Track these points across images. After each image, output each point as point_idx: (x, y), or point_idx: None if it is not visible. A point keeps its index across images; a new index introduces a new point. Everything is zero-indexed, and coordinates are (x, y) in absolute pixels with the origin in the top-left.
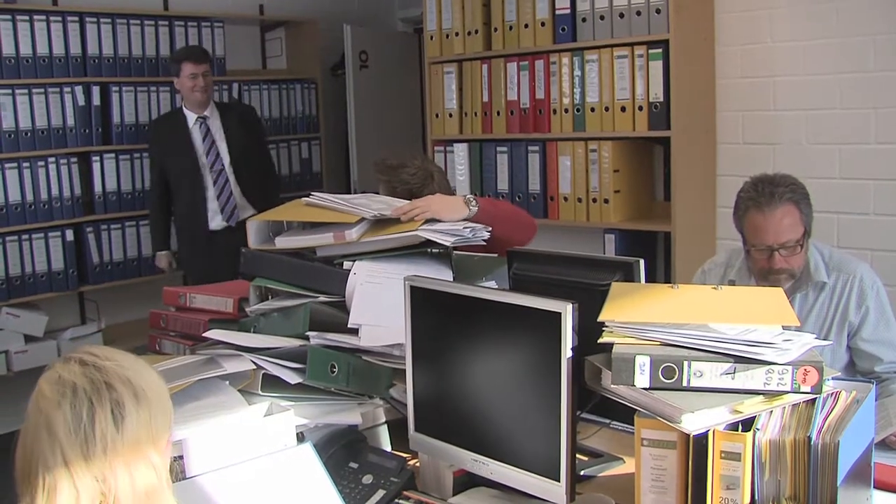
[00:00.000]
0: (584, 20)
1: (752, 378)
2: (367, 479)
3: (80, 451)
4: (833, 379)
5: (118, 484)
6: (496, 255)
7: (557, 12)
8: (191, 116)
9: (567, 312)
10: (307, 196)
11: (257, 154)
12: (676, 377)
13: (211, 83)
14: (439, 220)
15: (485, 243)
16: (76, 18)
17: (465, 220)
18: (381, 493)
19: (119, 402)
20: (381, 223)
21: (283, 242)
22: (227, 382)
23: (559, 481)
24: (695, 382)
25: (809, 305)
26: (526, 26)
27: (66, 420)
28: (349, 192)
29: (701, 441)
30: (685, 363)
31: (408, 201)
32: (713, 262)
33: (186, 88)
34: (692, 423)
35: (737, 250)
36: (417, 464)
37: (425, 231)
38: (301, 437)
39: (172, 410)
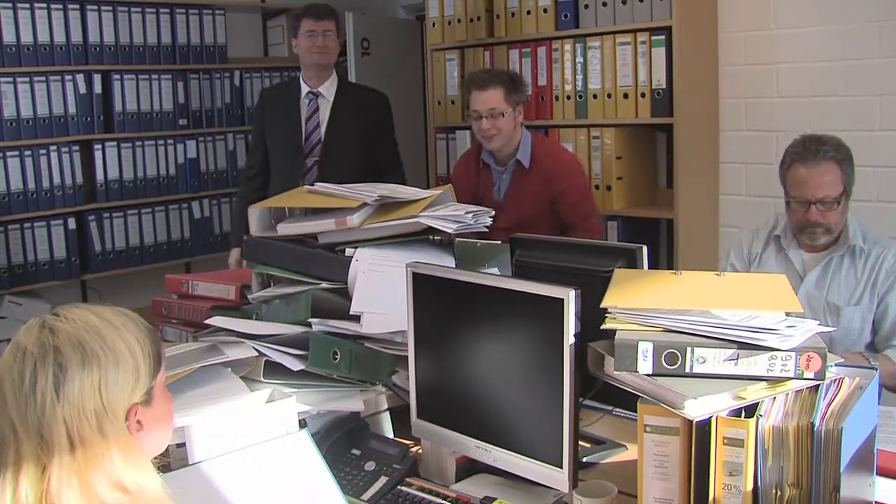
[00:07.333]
0: (586, 7)
1: (755, 364)
2: (370, 465)
3: (21, 413)
4: (836, 365)
5: (55, 449)
6: None
7: None
8: (304, 88)
9: (570, 299)
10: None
11: (369, 149)
12: (679, 363)
13: (335, 47)
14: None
15: (487, 230)
16: (77, 6)
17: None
18: (383, 479)
19: (63, 365)
20: (383, 210)
21: (284, 229)
22: (230, 369)
23: (562, 468)
24: (698, 369)
25: (845, 267)
26: (528, 13)
27: (13, 383)
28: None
29: (704, 427)
30: (688, 349)
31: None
32: (761, 224)
33: (303, 49)
34: (695, 410)
35: (783, 213)
36: (420, 450)
37: (427, 217)
38: (303, 424)
39: (147, 376)
